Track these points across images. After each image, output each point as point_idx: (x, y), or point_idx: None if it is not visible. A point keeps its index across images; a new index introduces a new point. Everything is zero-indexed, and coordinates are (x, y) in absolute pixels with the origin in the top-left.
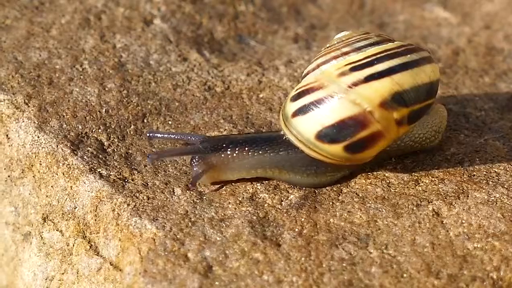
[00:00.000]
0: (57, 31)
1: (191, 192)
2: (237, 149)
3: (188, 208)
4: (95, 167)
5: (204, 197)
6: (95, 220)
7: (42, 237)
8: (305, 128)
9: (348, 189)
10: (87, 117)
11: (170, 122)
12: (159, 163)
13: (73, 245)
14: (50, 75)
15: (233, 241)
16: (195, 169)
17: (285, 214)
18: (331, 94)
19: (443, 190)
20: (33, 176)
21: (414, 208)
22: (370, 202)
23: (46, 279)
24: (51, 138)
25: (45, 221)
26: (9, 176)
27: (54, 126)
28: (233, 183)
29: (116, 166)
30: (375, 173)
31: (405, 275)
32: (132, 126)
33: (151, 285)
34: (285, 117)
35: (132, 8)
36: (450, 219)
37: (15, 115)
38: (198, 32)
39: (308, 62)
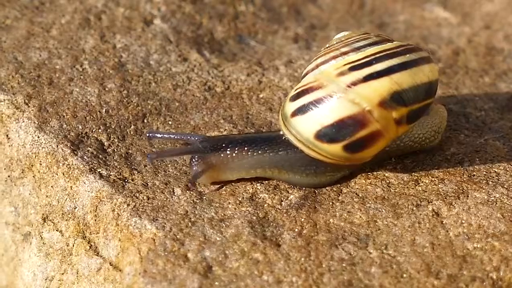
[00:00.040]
0: (57, 31)
1: (191, 192)
2: (236, 149)
3: (188, 208)
4: (95, 167)
5: (204, 197)
6: (95, 220)
7: (42, 237)
8: (304, 128)
9: (348, 189)
10: (87, 117)
11: (170, 122)
12: (159, 163)
13: (73, 245)
14: (50, 75)
15: (233, 241)
16: (194, 168)
17: (285, 214)
18: (330, 94)
19: (443, 190)
20: (33, 176)
21: (414, 208)
22: (370, 202)
23: (46, 279)
24: (51, 138)
25: (45, 221)
26: (9, 176)
27: (54, 126)
28: (233, 183)
29: (116, 166)
30: (375, 173)
31: (405, 275)
32: (132, 126)
33: (151, 285)
34: (284, 117)
35: (132, 8)
36: (450, 219)
37: (15, 115)
38: (198, 32)
39: (308, 62)
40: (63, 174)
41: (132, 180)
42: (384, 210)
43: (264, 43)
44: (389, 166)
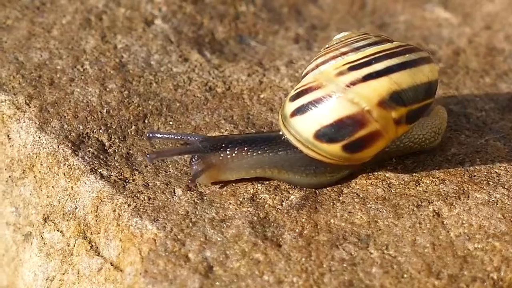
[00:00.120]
0: (58, 31)
1: (192, 192)
2: (236, 149)
3: (189, 209)
4: (96, 168)
5: (205, 198)
6: (96, 220)
7: (42, 238)
8: (303, 128)
9: (348, 190)
10: (88, 118)
11: (171, 123)
12: (159, 163)
13: (74, 246)
14: (51, 75)
15: (233, 242)
16: (194, 168)
17: (285, 215)
18: (329, 94)
19: (444, 190)
20: (34, 177)
21: (415, 209)
22: (370, 203)
23: (46, 280)
24: (52, 138)
25: (45, 222)
26: (10, 177)
27: (55, 127)
28: (233, 184)
29: (117, 167)
30: (375, 173)
31: (405, 275)
32: (133, 127)
33: (152, 285)
34: (284, 117)
35: (133, 9)
36: (451, 220)
37: (16, 115)
38: (199, 32)
39: (309, 62)
40: (64, 174)
41: (133, 180)
42: (385, 211)
43: (265, 43)
44: (390, 167)
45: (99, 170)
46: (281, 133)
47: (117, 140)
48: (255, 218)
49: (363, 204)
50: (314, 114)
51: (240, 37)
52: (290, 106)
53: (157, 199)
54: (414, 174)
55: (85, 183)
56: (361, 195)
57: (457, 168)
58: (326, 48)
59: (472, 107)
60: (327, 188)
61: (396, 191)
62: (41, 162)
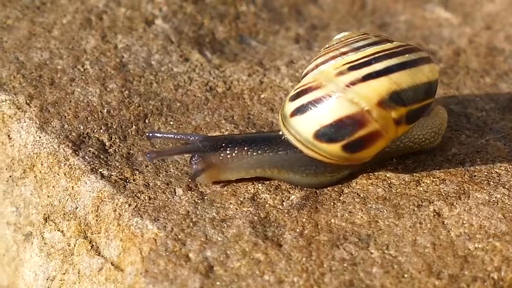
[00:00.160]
0: (58, 31)
1: (193, 192)
2: (236, 148)
3: (190, 209)
4: (96, 168)
5: (206, 198)
6: (97, 220)
7: (43, 237)
8: (303, 128)
9: (349, 190)
10: (88, 118)
11: (171, 123)
12: (160, 163)
13: (75, 245)
14: (52, 75)
15: (234, 242)
16: (194, 167)
17: (286, 215)
18: (329, 94)
19: (444, 190)
20: (35, 177)
21: (415, 209)
22: (371, 203)
23: (47, 279)
24: (52, 138)
25: (46, 221)
26: (10, 176)
27: (55, 127)
28: (234, 183)
29: (118, 167)
30: (376, 173)
31: (406, 275)
32: (134, 127)
33: (152, 285)
34: (283, 116)
35: (134, 9)
36: (451, 220)
37: (17, 115)
38: (200, 32)
39: (309, 62)
40: (65, 174)
41: (134, 180)
42: (385, 211)
43: (265, 43)
44: (390, 167)
45: (100, 170)
46: (281, 133)
47: (117, 140)
48: (256, 218)
49: (363, 204)
50: (314, 114)
51: (240, 37)
52: (290, 106)
53: (158, 199)
54: (414, 174)
55: (86, 183)
56: (361, 195)
57: (457, 168)
58: (326, 48)
59: (473, 107)
60: (328, 188)
61: (397, 191)
62: (42, 162)
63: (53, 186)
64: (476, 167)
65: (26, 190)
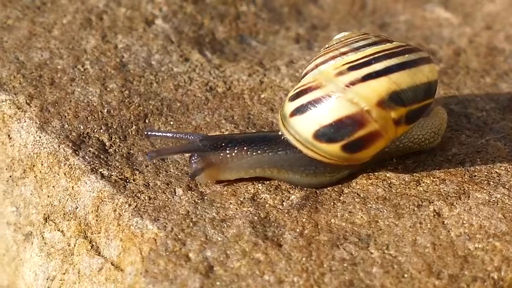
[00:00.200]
0: (58, 31)
1: (193, 192)
2: (235, 148)
3: (190, 209)
4: (96, 167)
5: (206, 198)
6: (97, 220)
7: (43, 237)
8: (302, 128)
9: (349, 190)
10: (88, 117)
11: (171, 123)
12: (160, 163)
13: (75, 245)
14: (52, 75)
15: (234, 242)
16: (194, 166)
17: (286, 215)
18: (328, 94)
19: (444, 190)
20: (35, 176)
21: (415, 209)
22: (371, 203)
23: (47, 279)
24: (52, 138)
25: (46, 221)
26: (10, 176)
27: (55, 126)
28: (234, 183)
29: (118, 167)
30: (376, 173)
31: (406, 275)
32: (134, 127)
33: (152, 285)
34: (283, 116)
35: (134, 8)
36: (451, 220)
37: (17, 115)
38: (200, 32)
39: (308, 62)
40: (65, 174)
41: (134, 180)
42: (385, 211)
43: (265, 43)
44: (391, 167)
45: (100, 170)
46: (280, 133)
47: (117, 140)
48: (256, 218)
49: (363, 204)
50: (313, 114)
51: (240, 37)
52: (290, 106)
53: (158, 199)
54: (414, 174)
55: (86, 183)
56: (361, 195)
57: (457, 168)
58: (326, 48)
59: (473, 107)
60: (328, 188)
61: (397, 191)
62: (42, 162)
63: (53, 186)
64: (476, 167)
65: (26, 190)
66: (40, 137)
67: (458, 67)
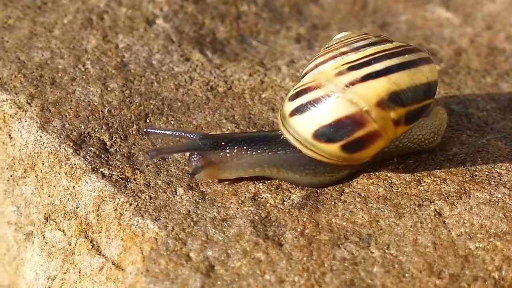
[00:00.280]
0: (59, 31)
1: (193, 191)
2: (235, 147)
3: (190, 208)
4: (97, 167)
5: (206, 197)
6: (97, 219)
7: (44, 237)
8: (302, 128)
9: (350, 189)
10: (89, 117)
11: (172, 122)
12: (161, 162)
13: (75, 245)
14: (53, 75)
15: (235, 241)
16: (194, 164)
17: (287, 214)
18: (328, 94)
19: (445, 190)
20: (36, 176)
21: (416, 208)
22: (372, 202)
23: (48, 279)
24: (53, 138)
25: (47, 221)
26: (11, 176)
27: (56, 126)
28: (235, 183)
29: (119, 166)
30: (377, 173)
31: (407, 274)
32: (135, 126)
33: (153, 284)
34: (283, 116)
35: (135, 8)
36: (452, 219)
37: (18, 114)
38: (201, 32)
39: (308, 62)
40: (66, 173)
41: (135, 179)
42: (386, 210)
43: (266, 43)
44: (391, 166)
45: (101, 170)
46: (280, 132)
47: (118, 140)
48: (257, 217)
49: (364, 203)
50: (313, 113)
51: (241, 36)
52: (289, 106)
53: (159, 198)
54: (415, 173)
55: (87, 182)
56: (362, 195)
57: (458, 168)
58: (326, 48)
59: (474, 107)
60: (329, 188)
61: (398, 190)
62: (43, 161)
63: (54, 186)
64: (477, 166)
65: (27, 190)
66: (41, 137)
67: (459, 67)
